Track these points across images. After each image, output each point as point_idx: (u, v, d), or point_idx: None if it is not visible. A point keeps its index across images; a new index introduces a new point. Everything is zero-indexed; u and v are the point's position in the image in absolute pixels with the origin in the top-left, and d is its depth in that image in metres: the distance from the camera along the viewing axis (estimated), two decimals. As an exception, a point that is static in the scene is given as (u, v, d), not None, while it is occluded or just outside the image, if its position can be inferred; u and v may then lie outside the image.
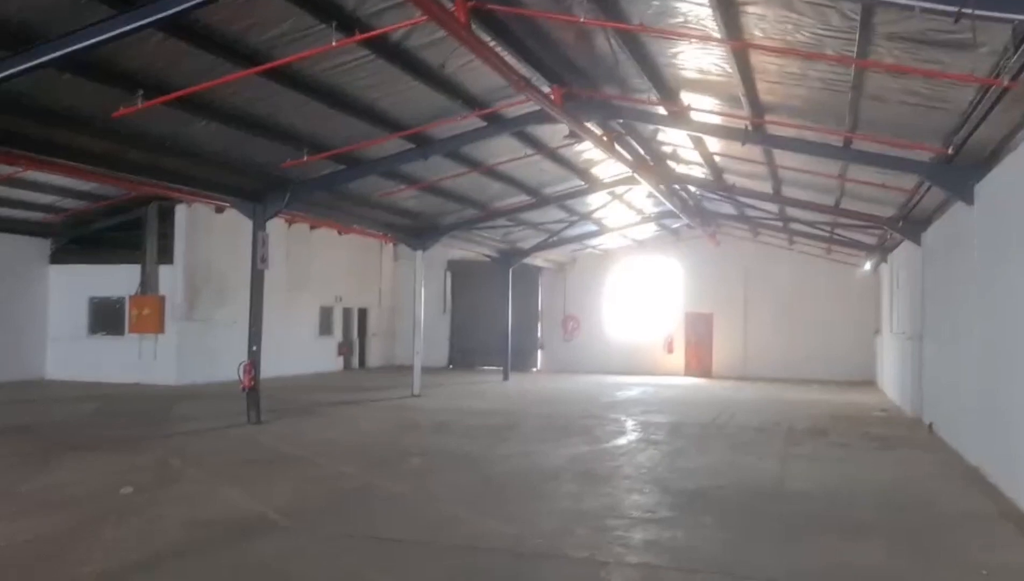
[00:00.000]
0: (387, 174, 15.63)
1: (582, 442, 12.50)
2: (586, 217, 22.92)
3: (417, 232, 20.37)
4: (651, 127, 14.38)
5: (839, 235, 21.39)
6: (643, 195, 21.07)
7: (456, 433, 13.45)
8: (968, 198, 10.60)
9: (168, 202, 20.18)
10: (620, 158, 14.30)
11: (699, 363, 28.29)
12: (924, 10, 5.89)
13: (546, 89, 10.65)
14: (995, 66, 7.15)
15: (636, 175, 15.83)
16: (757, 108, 10.91)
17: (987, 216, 10.05)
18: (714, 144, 14.66)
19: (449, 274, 30.51)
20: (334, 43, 8.76)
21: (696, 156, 15.93)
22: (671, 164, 17.54)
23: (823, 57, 8.15)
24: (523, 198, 19.68)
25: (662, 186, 17.32)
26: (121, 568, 6.07)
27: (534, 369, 29.75)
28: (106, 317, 21.91)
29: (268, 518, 7.57)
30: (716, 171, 16.98)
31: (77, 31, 7.68)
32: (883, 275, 22.98)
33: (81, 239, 22.10)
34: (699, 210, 22.46)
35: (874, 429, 14.39)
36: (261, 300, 14.37)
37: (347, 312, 28.33)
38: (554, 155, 16.10)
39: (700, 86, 11.03)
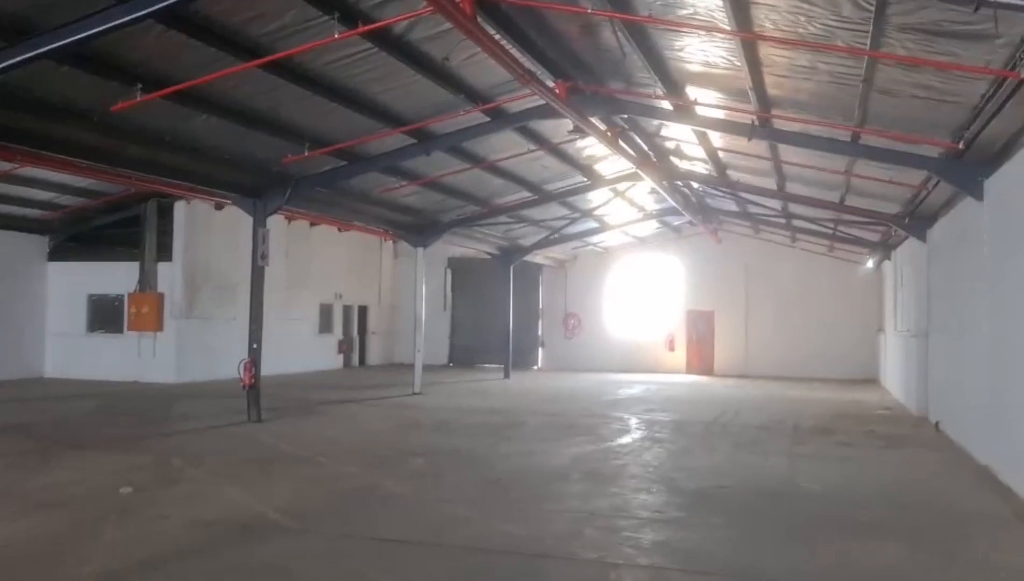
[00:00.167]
0: (388, 170, 15.50)
1: (586, 441, 12.37)
2: (587, 214, 22.80)
3: (418, 229, 20.24)
4: (655, 122, 14.27)
5: (842, 232, 21.27)
6: (645, 192, 20.97)
7: (458, 432, 13.32)
8: (978, 194, 10.48)
9: (167, 199, 20.07)
10: (624, 154, 14.16)
11: (700, 361, 28.18)
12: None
13: (550, 83, 10.52)
14: (1011, 58, 7.03)
15: (639, 171, 15.71)
16: (764, 102, 10.78)
17: (997, 212, 9.93)
18: (718, 139, 14.53)
19: (449, 272, 30.40)
20: (336, 35, 8.62)
21: (700, 152, 15.81)
22: (674, 160, 17.41)
23: (836, 48, 8.00)
24: (525, 195, 19.56)
25: (664, 182, 17.19)
26: (122, 569, 5.95)
27: (535, 367, 29.64)
28: (105, 315, 21.77)
29: (269, 518, 7.44)
30: (720, 167, 16.85)
31: (75, 21, 7.55)
32: (886, 272, 22.88)
33: (80, 236, 21.95)
34: (701, 207, 22.34)
35: (879, 427, 14.27)
36: (261, 297, 14.23)
37: (347, 310, 28.21)
38: (556, 151, 15.98)
39: (706, 80, 10.89)
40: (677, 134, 15.22)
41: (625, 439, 12.72)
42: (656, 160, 16.34)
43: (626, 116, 13.21)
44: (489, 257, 25.84)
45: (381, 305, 30.18)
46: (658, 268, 29.10)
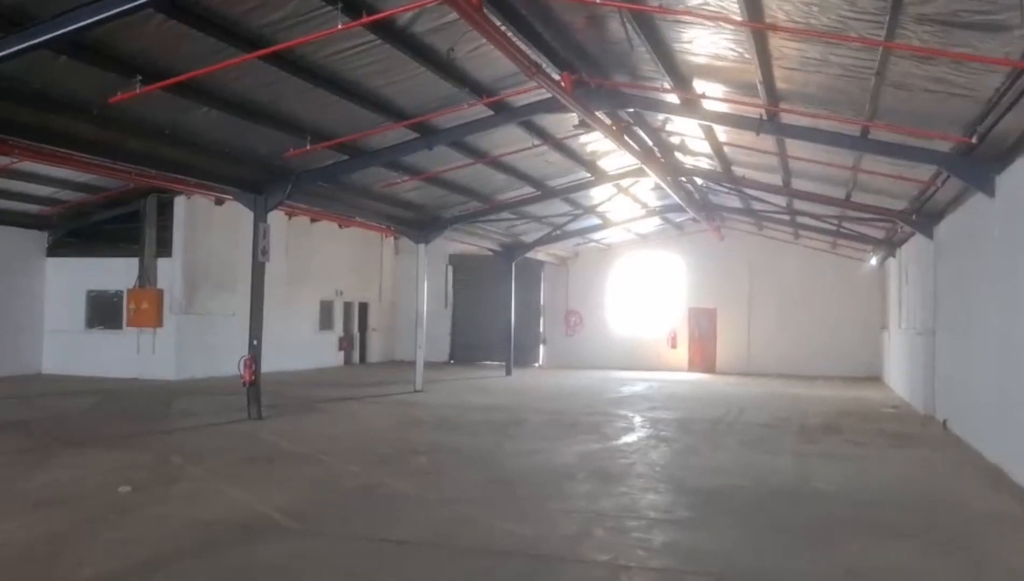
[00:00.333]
0: (390, 164, 15.34)
1: (591, 439, 12.23)
2: (590, 210, 22.64)
3: (419, 225, 20.09)
4: (660, 117, 14.11)
5: (846, 229, 21.12)
6: (648, 188, 20.83)
7: (461, 430, 13.18)
8: (989, 190, 10.34)
9: (167, 194, 19.92)
10: (629, 149, 14.00)
11: (703, 359, 28.05)
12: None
13: (556, 76, 10.36)
14: (1029, 49, 6.87)
15: (644, 167, 15.54)
16: (773, 96, 10.61)
17: (1009, 207, 9.79)
18: (724, 134, 14.37)
19: (450, 268, 30.26)
20: (340, 26, 8.45)
21: (705, 147, 15.66)
22: (679, 155, 17.26)
23: (850, 39, 7.84)
24: (527, 190, 19.40)
25: (669, 178, 17.03)
26: (121, 569, 5.83)
27: (536, 364, 29.50)
28: (104, 311, 21.61)
29: (271, 518, 7.30)
30: (725, 163, 16.70)
31: (72, 10, 7.36)
32: (890, 270, 22.73)
33: (79, 232, 21.80)
34: (704, 203, 22.20)
35: (886, 426, 14.14)
36: (262, 293, 14.08)
37: (348, 306, 28.07)
38: (560, 146, 15.82)
39: (714, 73, 10.74)
40: (682, 129, 15.07)
41: (630, 437, 12.58)
42: (661, 155, 16.18)
43: (632, 110, 13.04)
44: (491, 254, 25.70)
45: (382, 302, 30.04)
46: (660, 265, 28.96)
